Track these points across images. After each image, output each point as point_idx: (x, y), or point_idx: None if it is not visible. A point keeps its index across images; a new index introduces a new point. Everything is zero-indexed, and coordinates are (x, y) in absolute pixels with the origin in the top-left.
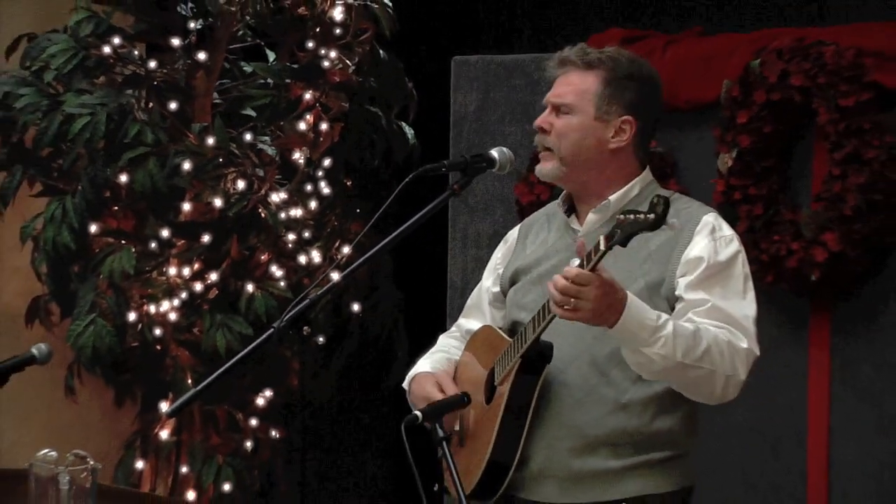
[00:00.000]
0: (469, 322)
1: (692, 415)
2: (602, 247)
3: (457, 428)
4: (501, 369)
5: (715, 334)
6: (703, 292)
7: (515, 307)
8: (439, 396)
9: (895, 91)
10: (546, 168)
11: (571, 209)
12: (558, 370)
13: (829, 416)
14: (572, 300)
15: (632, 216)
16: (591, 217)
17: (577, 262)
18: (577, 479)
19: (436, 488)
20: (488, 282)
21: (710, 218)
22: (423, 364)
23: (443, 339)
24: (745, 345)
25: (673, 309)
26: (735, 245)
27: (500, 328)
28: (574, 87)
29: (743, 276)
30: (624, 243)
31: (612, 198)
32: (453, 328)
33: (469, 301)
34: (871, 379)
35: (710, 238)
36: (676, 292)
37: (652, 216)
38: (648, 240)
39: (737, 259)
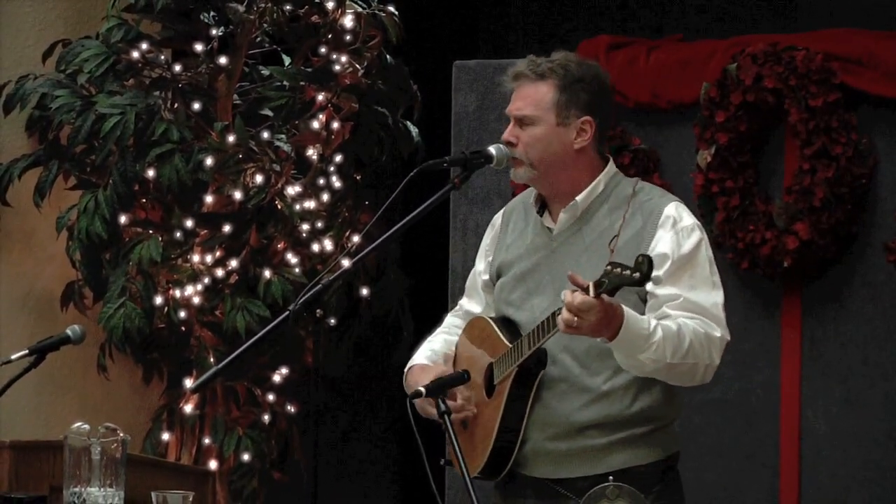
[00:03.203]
0: (469, 303)
1: (671, 387)
2: (591, 294)
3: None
4: (500, 371)
5: (693, 328)
6: (673, 287)
7: (503, 303)
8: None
9: (861, 92)
10: (519, 172)
11: (543, 207)
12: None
13: (800, 391)
14: (576, 320)
15: (619, 269)
16: (562, 216)
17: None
18: (568, 457)
19: (441, 463)
20: (480, 267)
21: (671, 210)
22: (426, 348)
23: (448, 318)
24: (718, 333)
25: (644, 301)
26: (697, 234)
27: (491, 317)
28: (531, 98)
29: (708, 263)
30: (611, 294)
31: (578, 198)
32: (457, 307)
33: (467, 282)
34: (838, 356)
35: (672, 232)
36: (647, 287)
37: (637, 275)
38: (616, 238)
39: (699, 248)
